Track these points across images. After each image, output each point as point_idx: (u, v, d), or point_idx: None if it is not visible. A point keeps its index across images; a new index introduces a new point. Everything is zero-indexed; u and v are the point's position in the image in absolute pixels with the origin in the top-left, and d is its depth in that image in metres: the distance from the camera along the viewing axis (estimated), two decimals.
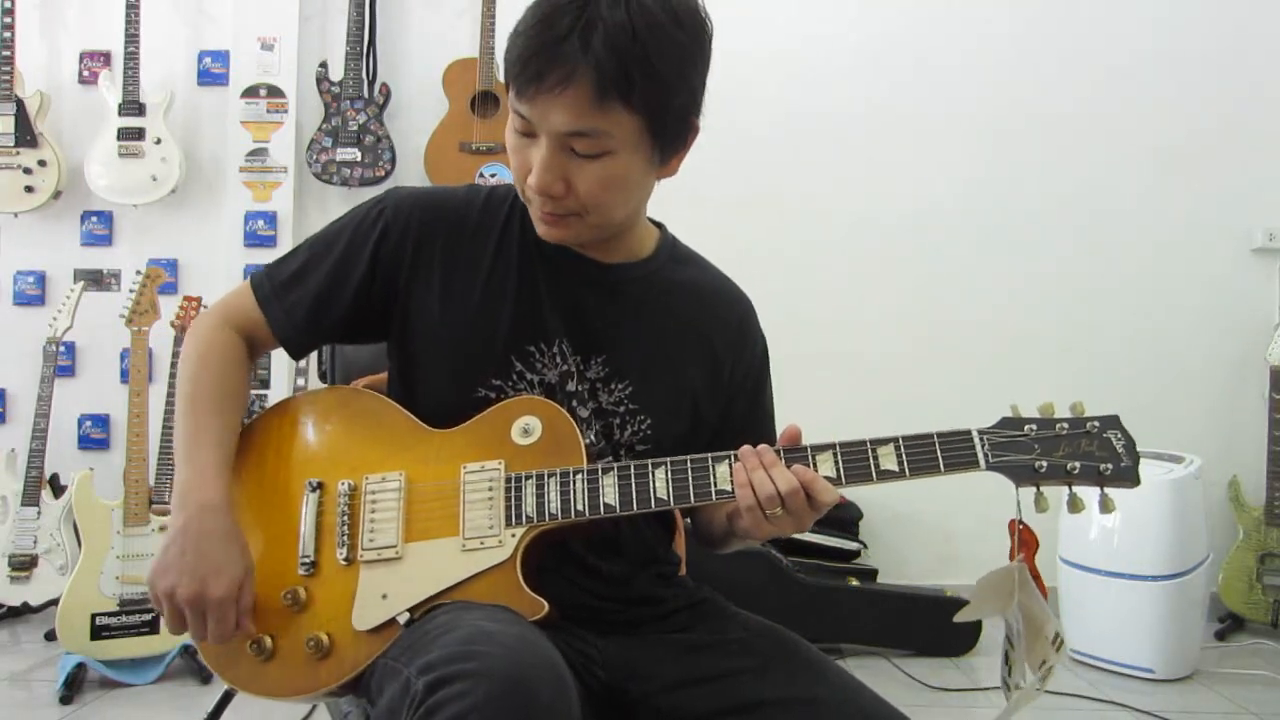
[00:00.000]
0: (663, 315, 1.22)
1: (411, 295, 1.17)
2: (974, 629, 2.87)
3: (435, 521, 1.08)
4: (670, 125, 1.07)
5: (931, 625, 2.85)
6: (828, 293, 3.32)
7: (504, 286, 1.17)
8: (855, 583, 2.93)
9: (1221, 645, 3.00)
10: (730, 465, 1.06)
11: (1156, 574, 2.66)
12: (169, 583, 1.05)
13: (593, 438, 1.16)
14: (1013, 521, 1.11)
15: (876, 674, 2.69)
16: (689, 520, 1.32)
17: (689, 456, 1.07)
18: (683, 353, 1.22)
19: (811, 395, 2.80)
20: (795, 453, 1.06)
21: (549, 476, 1.08)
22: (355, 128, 3.25)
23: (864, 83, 3.35)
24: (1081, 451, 1.04)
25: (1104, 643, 2.74)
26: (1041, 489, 1.05)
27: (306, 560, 1.10)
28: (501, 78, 3.21)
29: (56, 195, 3.19)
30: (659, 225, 1.27)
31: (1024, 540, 1.12)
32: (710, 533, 1.26)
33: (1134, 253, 3.35)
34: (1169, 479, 2.69)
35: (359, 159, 3.24)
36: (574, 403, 1.16)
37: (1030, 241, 3.35)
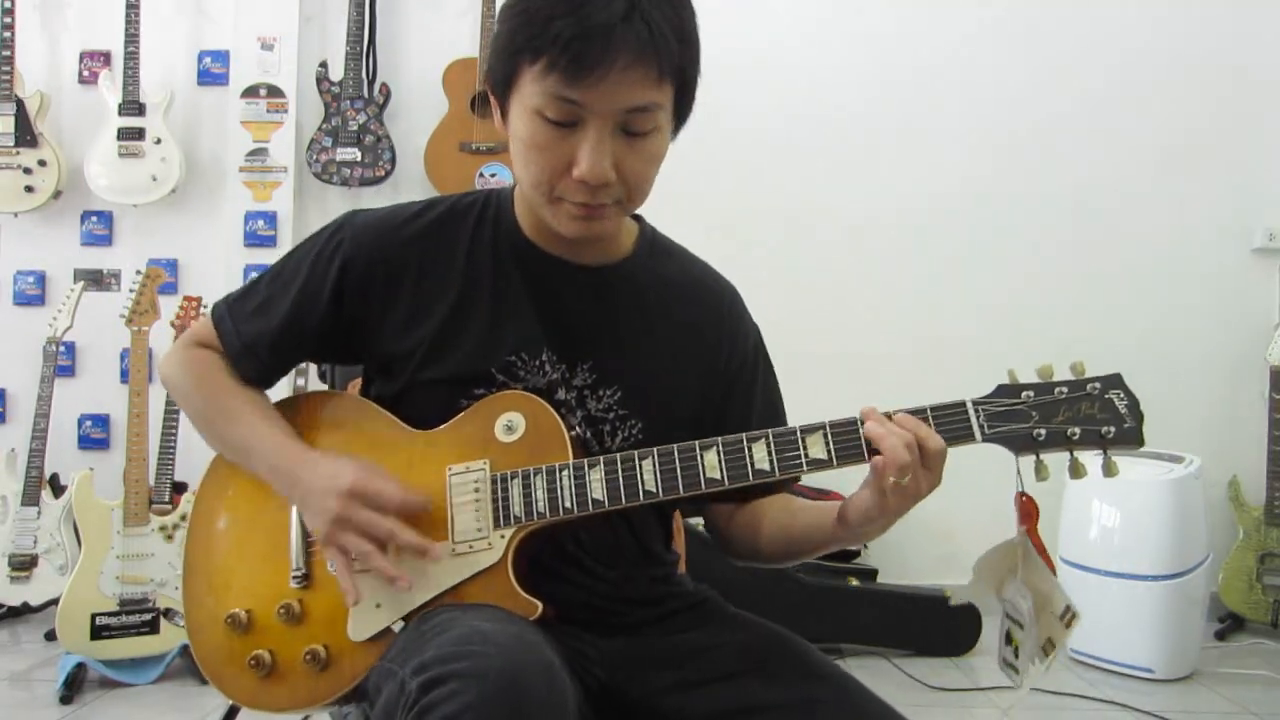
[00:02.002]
0: (649, 314, 1.19)
1: (384, 322, 1.14)
2: (974, 629, 2.86)
3: (424, 526, 1.06)
4: (690, 96, 1.07)
5: (931, 625, 2.85)
6: (824, 294, 3.31)
7: (478, 299, 1.14)
8: (855, 582, 2.93)
9: (1221, 645, 2.99)
10: (719, 451, 1.03)
11: (1156, 574, 2.67)
12: (323, 515, 1.04)
13: (580, 431, 1.14)
14: (1018, 495, 1.05)
15: (876, 674, 2.68)
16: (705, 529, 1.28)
17: (676, 445, 1.04)
18: (672, 351, 1.19)
19: (806, 399, 2.80)
20: (784, 434, 1.03)
21: (534, 474, 1.05)
22: (355, 128, 3.24)
23: (860, 81, 3.34)
24: (1082, 415, 1.00)
25: (1104, 643, 2.74)
26: (1041, 457, 1.00)
27: (298, 573, 1.09)
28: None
29: (56, 195, 3.19)
30: (637, 218, 1.24)
31: (1025, 511, 1.05)
32: (790, 539, 1.17)
33: (1134, 252, 3.34)
34: (1169, 479, 2.69)
35: (359, 159, 3.24)
36: (563, 411, 1.12)
37: (1029, 241, 3.34)
